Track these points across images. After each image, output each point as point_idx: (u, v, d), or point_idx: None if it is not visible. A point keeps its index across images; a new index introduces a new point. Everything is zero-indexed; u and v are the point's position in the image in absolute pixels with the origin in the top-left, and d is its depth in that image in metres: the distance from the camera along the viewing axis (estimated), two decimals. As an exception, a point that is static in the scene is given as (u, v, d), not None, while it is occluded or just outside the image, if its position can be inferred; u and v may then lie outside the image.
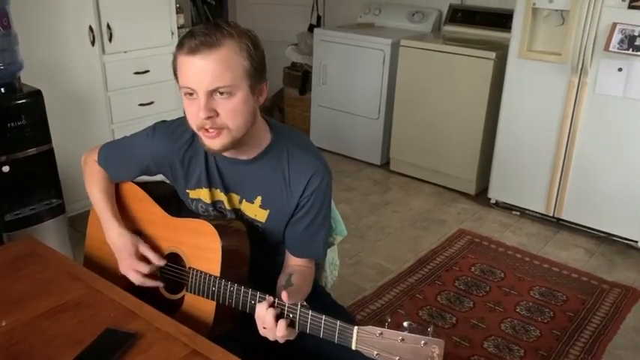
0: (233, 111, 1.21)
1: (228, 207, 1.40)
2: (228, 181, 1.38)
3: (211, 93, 1.18)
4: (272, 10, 5.13)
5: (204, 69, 1.17)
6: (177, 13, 3.37)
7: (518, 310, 2.51)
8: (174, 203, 1.46)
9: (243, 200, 1.39)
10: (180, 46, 1.20)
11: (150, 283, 1.38)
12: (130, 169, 1.48)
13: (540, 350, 2.26)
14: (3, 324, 1.17)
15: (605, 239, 3.11)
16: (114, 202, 1.48)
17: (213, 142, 1.24)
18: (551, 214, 3.24)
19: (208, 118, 1.19)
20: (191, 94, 1.20)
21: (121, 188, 1.52)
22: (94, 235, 1.50)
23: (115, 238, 1.42)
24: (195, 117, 1.21)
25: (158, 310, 1.24)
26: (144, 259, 1.38)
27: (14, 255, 1.43)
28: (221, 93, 1.19)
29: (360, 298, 2.56)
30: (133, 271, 1.37)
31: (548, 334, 2.36)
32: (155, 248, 1.41)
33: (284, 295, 1.13)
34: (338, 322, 1.08)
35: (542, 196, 3.23)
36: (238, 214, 1.41)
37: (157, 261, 1.37)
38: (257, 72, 1.22)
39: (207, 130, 1.22)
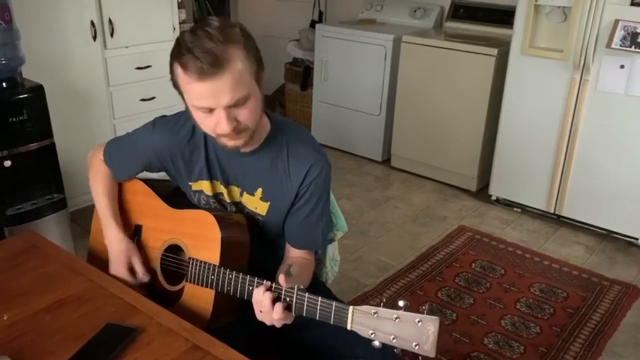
0: (252, 113, 1.22)
1: (228, 200, 1.41)
2: (228, 174, 1.39)
3: (230, 106, 1.18)
4: (273, 5, 5.12)
5: (220, 89, 1.15)
6: (178, 8, 3.37)
7: (518, 307, 2.51)
8: (175, 197, 1.47)
9: (244, 193, 1.39)
10: (184, 67, 1.14)
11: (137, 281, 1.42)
12: (132, 165, 1.49)
13: (540, 347, 2.27)
14: (5, 318, 1.18)
15: (606, 236, 3.11)
16: (116, 204, 1.50)
17: (234, 142, 1.25)
18: (552, 211, 3.24)
19: (232, 128, 1.19)
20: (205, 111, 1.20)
21: (123, 182, 1.52)
22: (99, 230, 1.51)
23: (112, 241, 1.44)
24: (214, 128, 1.21)
25: (158, 301, 1.25)
26: (133, 270, 1.42)
27: (16, 249, 1.44)
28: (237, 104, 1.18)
29: (360, 293, 2.56)
30: (121, 277, 1.41)
31: (549, 331, 2.36)
32: (156, 240, 1.42)
33: (281, 278, 1.14)
34: (334, 303, 1.08)
35: (543, 193, 3.23)
36: (239, 207, 1.42)
37: (143, 278, 1.42)
38: (258, 65, 1.23)
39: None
